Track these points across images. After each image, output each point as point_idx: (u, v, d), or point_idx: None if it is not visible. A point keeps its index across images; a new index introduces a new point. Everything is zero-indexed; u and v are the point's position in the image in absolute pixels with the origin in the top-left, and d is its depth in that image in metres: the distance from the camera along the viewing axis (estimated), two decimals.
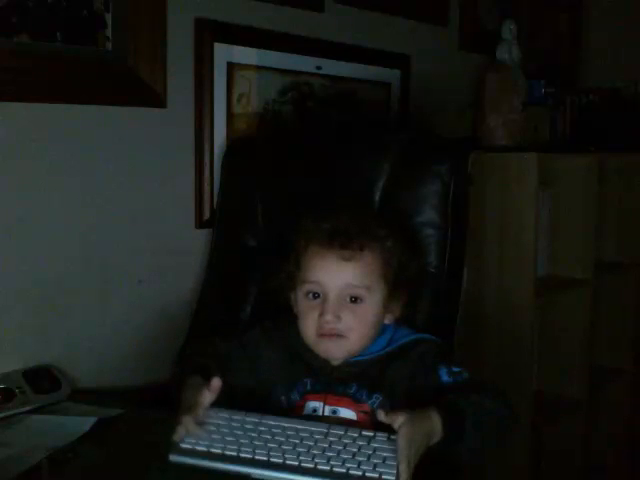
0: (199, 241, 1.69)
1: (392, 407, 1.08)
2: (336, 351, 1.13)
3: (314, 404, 1.13)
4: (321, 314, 1.11)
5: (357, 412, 1.11)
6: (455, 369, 1.11)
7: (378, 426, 1.07)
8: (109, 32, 1.50)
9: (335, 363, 1.15)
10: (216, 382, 1.02)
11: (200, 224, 1.69)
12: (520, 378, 1.84)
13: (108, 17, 1.49)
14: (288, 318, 1.19)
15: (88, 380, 1.49)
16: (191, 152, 1.66)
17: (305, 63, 1.88)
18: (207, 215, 1.69)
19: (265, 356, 1.20)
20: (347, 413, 1.11)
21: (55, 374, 1.39)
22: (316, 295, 1.13)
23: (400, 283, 1.16)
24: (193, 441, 1.00)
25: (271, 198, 1.55)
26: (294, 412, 1.14)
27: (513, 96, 1.95)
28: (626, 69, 2.72)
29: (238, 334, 1.24)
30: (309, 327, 1.13)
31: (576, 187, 2.03)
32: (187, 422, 1.00)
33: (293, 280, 1.17)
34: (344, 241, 1.11)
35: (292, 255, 1.18)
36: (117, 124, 1.52)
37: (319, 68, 1.91)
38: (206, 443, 0.99)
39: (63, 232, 1.46)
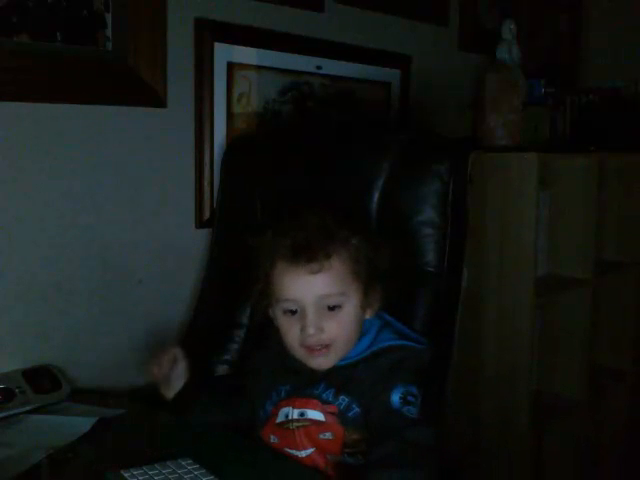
0: (199, 241, 1.69)
1: (361, 410, 1.08)
2: (327, 363, 1.12)
3: (286, 410, 1.13)
4: (303, 328, 1.10)
5: (324, 413, 1.10)
6: (410, 398, 1.07)
7: (346, 427, 1.08)
8: (109, 32, 1.50)
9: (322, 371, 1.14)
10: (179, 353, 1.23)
11: (200, 224, 1.69)
12: (520, 378, 1.84)
13: (108, 17, 1.49)
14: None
15: (88, 380, 1.49)
16: (191, 152, 1.66)
17: (305, 63, 1.88)
18: (207, 215, 1.69)
19: (262, 375, 1.22)
20: (315, 415, 1.10)
21: (55, 374, 1.39)
22: (294, 311, 1.12)
23: (373, 277, 1.14)
24: None
25: (271, 196, 1.55)
26: (269, 422, 1.15)
27: (513, 96, 1.95)
28: (626, 69, 2.71)
29: (244, 364, 1.34)
30: (294, 342, 1.12)
31: (576, 187, 2.03)
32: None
33: (268, 297, 1.16)
34: (309, 255, 1.09)
35: (260, 272, 1.16)
36: (117, 124, 1.52)
37: (319, 68, 1.91)
38: None
39: (63, 232, 1.46)
